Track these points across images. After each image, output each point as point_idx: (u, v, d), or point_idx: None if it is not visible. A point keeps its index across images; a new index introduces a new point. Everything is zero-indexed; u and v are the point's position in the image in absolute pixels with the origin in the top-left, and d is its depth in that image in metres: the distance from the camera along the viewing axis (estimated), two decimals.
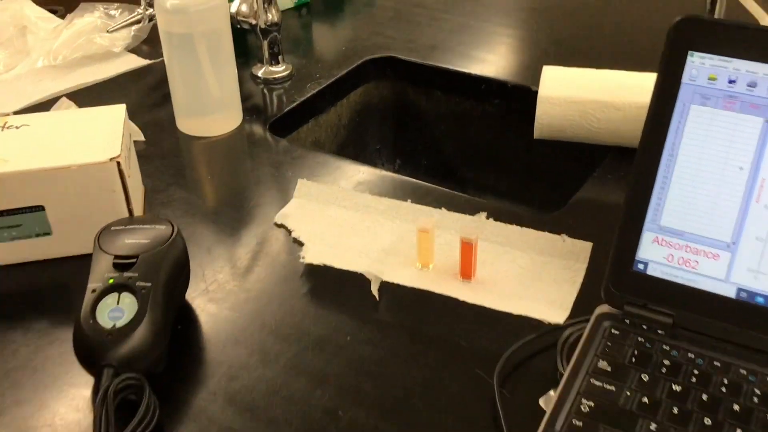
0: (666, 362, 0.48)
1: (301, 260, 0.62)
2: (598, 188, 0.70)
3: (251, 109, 0.84)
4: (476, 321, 0.56)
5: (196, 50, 0.74)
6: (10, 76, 0.88)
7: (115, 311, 0.50)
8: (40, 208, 0.61)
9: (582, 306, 0.56)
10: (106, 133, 0.63)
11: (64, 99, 0.79)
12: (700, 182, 0.50)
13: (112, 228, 0.56)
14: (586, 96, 0.72)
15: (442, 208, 0.66)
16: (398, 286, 0.59)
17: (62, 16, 0.98)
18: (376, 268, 0.60)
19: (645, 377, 0.48)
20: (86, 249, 0.56)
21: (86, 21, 0.92)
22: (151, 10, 0.91)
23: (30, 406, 0.51)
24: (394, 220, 0.66)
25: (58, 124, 0.66)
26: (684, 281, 0.51)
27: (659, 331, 0.51)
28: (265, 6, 0.85)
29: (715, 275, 0.50)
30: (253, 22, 0.87)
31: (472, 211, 0.66)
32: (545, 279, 0.59)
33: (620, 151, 0.73)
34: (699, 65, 0.50)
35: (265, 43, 0.87)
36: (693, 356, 0.49)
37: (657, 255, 0.51)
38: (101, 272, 0.52)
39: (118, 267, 0.52)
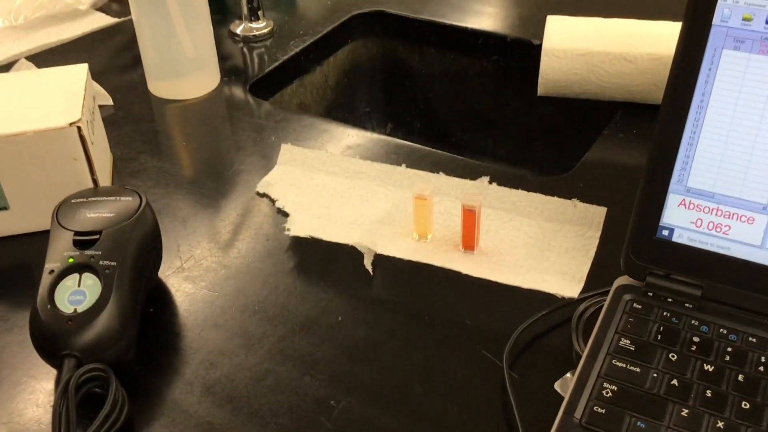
0: (696, 339, 0.43)
1: (286, 233, 0.56)
2: (610, 148, 0.64)
3: (230, 70, 0.77)
4: (481, 296, 0.51)
5: (167, 6, 0.68)
6: None
7: (76, 294, 0.44)
8: None
9: (597, 278, 0.51)
10: (67, 96, 0.57)
11: (23, 60, 0.73)
12: (733, 137, 0.44)
13: (73, 201, 0.50)
14: (595, 47, 0.66)
15: (440, 173, 0.60)
16: (394, 258, 0.54)
17: None
18: (369, 239, 0.54)
19: (673, 356, 0.43)
20: (48, 225, 0.50)
21: None
22: None
23: None
24: (387, 187, 0.60)
25: (13, 87, 0.59)
26: (714, 248, 0.45)
27: (686, 305, 0.45)
28: None
29: (750, 241, 0.45)
30: None
31: (473, 175, 0.60)
32: (555, 248, 0.54)
33: (632, 107, 0.68)
34: (732, 4, 0.44)
35: None
36: (725, 332, 0.44)
37: (684, 220, 0.46)
38: (60, 251, 0.46)
39: (78, 244, 0.46)
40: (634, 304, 0.46)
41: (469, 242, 0.54)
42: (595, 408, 0.40)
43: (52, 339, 0.44)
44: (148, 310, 0.50)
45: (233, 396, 0.45)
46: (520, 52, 0.80)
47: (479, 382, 0.45)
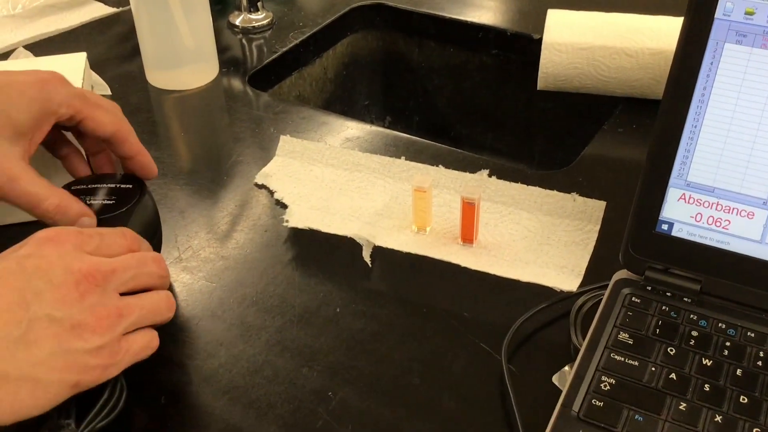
0: (694, 333, 0.43)
1: (285, 224, 0.56)
2: (609, 143, 0.64)
3: (229, 61, 0.77)
4: (480, 289, 0.51)
5: None
6: None
7: None
8: None
9: (596, 272, 0.51)
10: None
11: (20, 49, 0.72)
12: (733, 132, 0.44)
13: (72, 188, 0.50)
14: (596, 42, 0.65)
15: (440, 166, 0.60)
16: (392, 251, 0.54)
17: None
18: (368, 231, 0.54)
19: (671, 350, 0.43)
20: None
21: None
22: None
23: None
24: (386, 179, 0.60)
25: None
26: (713, 243, 0.45)
27: (685, 299, 0.45)
28: None
29: (750, 236, 0.45)
30: None
31: (472, 168, 0.60)
32: (554, 242, 0.54)
33: (631, 102, 0.67)
34: None
35: None
36: (724, 326, 0.44)
37: (683, 214, 0.46)
38: None
39: None
40: (633, 298, 0.46)
41: (468, 235, 0.54)
42: (593, 401, 0.40)
43: None
44: None
45: (231, 386, 0.45)
46: (519, 46, 0.80)
47: (477, 374, 0.45)
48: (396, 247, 0.54)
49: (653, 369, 0.42)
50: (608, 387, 0.41)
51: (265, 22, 0.82)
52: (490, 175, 0.58)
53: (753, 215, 0.44)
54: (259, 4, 0.82)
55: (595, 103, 0.71)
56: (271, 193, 0.59)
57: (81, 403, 0.40)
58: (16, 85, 0.46)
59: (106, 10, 0.84)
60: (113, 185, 0.50)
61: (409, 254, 0.53)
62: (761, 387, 0.40)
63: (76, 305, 0.39)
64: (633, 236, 0.47)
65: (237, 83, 0.74)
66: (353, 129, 0.67)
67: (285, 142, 0.63)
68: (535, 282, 0.50)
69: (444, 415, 0.43)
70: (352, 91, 0.91)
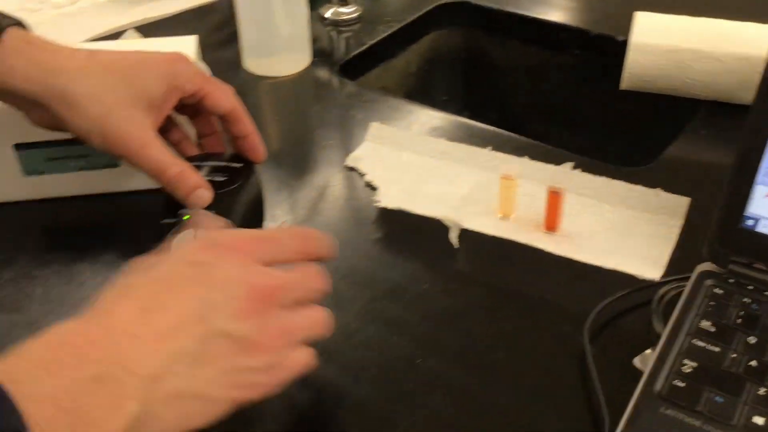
0: None
1: (376, 204, 0.59)
2: (692, 144, 0.65)
3: (319, 51, 0.80)
4: (562, 274, 0.53)
5: None
6: (74, 9, 0.86)
7: None
8: None
9: (677, 265, 0.53)
10: None
11: (131, 31, 0.77)
12: None
13: (192, 162, 0.53)
14: (683, 44, 0.67)
15: (525, 157, 0.62)
16: (478, 234, 0.56)
17: None
18: (454, 215, 0.57)
19: (752, 340, 0.44)
20: (154, 183, 0.54)
21: None
22: None
23: None
24: (472, 168, 0.62)
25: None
26: None
27: (766, 293, 0.47)
28: None
29: None
30: None
31: (557, 161, 0.62)
32: (637, 234, 0.55)
33: (715, 106, 0.68)
34: None
35: None
36: None
37: None
38: (175, 209, 0.50)
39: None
40: (716, 289, 0.47)
41: (551, 224, 0.56)
42: (675, 382, 0.42)
43: None
44: None
45: (326, 349, 0.48)
46: (601, 47, 0.81)
47: (559, 353, 0.47)
48: (482, 230, 0.56)
49: (734, 356, 0.43)
50: (690, 370, 0.43)
51: (354, 15, 0.85)
52: (574, 168, 0.60)
53: None
54: None
55: (674, 105, 0.72)
56: (362, 175, 0.63)
57: None
58: (150, 62, 0.50)
59: None
60: (224, 164, 0.53)
61: (494, 238, 0.56)
62: None
63: (250, 321, 0.37)
64: (718, 230, 0.48)
65: (327, 72, 0.78)
66: (438, 119, 0.69)
67: (375, 128, 0.66)
68: (618, 269, 0.52)
69: (527, 389, 0.45)
70: (432, 86, 0.93)
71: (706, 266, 0.49)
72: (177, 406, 0.35)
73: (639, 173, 0.61)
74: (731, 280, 0.48)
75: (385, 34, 0.84)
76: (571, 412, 0.44)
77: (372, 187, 0.61)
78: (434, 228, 0.57)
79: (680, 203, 0.56)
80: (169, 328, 0.35)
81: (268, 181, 0.62)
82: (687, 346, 0.44)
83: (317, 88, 0.76)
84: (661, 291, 0.50)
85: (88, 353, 0.33)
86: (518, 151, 0.64)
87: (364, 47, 0.82)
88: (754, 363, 0.43)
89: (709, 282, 0.48)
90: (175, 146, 0.56)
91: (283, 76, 0.76)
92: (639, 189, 0.58)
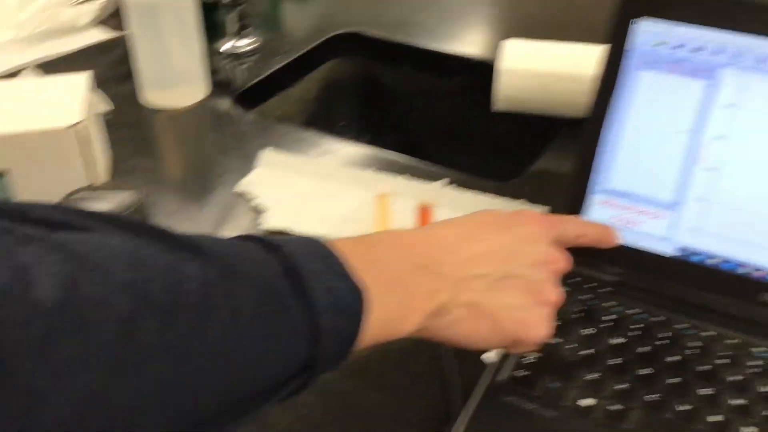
0: (610, 318, 0.50)
1: (260, 226, 0.63)
2: (555, 159, 0.71)
3: (218, 83, 0.84)
4: None
5: (160, 22, 0.75)
6: None
7: None
8: (1, 175, 0.61)
9: None
10: (69, 100, 0.64)
11: (30, 69, 0.80)
12: (645, 145, 0.51)
13: (73, 196, 0.56)
14: (547, 68, 0.73)
15: (404, 176, 0.67)
16: None
17: None
18: (335, 233, 0.61)
19: (590, 331, 0.49)
20: None
21: None
22: None
23: None
24: (356, 188, 0.67)
25: (20, 91, 0.66)
26: (628, 241, 0.52)
27: (606, 289, 0.52)
28: None
29: (657, 234, 0.52)
30: None
31: (433, 179, 0.67)
32: None
33: (576, 123, 0.75)
34: (646, 31, 0.51)
35: (232, 17, 0.88)
36: (635, 312, 0.51)
37: (605, 216, 0.53)
38: None
39: None
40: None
41: None
42: (516, 372, 0.47)
43: None
44: None
45: None
46: (483, 72, 0.87)
47: (420, 353, 0.52)
48: None
49: (572, 346, 0.48)
50: (531, 360, 0.48)
51: (252, 47, 0.90)
52: (448, 185, 0.66)
53: (660, 216, 0.52)
54: (247, 30, 0.89)
55: (543, 123, 0.78)
56: (251, 199, 0.66)
57: None
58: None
59: (107, 35, 0.92)
60: (111, 194, 0.56)
61: None
62: (660, 362, 0.47)
63: (543, 276, 0.43)
64: None
65: (224, 102, 0.81)
66: (330, 144, 0.74)
67: (266, 154, 0.70)
68: None
69: (391, 388, 0.50)
70: (332, 113, 0.98)
71: None
72: (471, 314, 0.41)
73: (507, 187, 0.67)
74: (577, 279, 0.53)
75: (282, 64, 0.88)
76: (429, 405, 0.48)
77: (261, 210, 0.65)
78: None
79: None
80: (481, 254, 0.42)
81: (163, 207, 0.66)
82: None
83: (214, 118, 0.79)
84: None
85: (412, 249, 0.41)
86: (400, 171, 0.68)
87: (261, 77, 0.86)
88: (587, 352, 0.48)
89: None
90: None
91: (180, 108, 0.80)
92: (505, 201, 0.63)
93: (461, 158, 0.94)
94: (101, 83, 0.83)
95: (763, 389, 0.46)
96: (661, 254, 0.52)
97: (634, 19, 0.51)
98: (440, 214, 0.63)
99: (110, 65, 0.87)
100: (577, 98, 0.73)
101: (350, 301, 0.35)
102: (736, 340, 0.49)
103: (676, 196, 0.51)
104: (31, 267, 0.26)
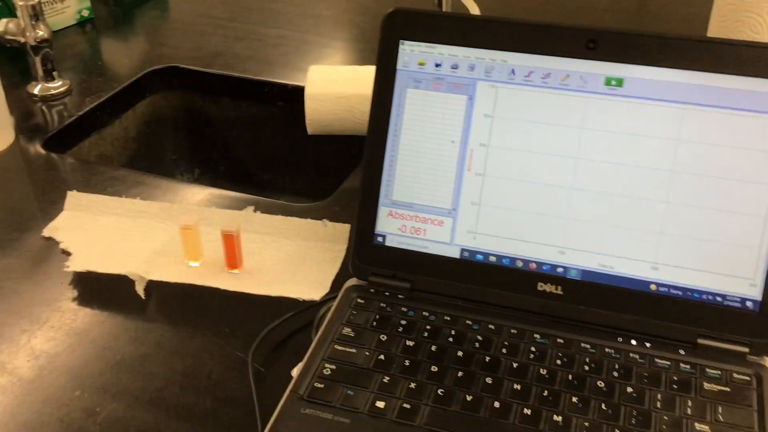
0: (403, 322, 0.53)
1: (66, 269, 0.62)
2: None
3: (30, 128, 0.82)
4: (240, 308, 0.59)
5: None
6: None
7: None
8: None
9: (341, 283, 0.60)
10: None
11: None
12: (421, 158, 0.55)
13: None
14: (349, 91, 0.76)
15: (213, 207, 0.68)
16: (166, 283, 0.61)
17: None
18: (144, 269, 0.61)
19: (383, 337, 0.52)
20: None
21: None
22: None
23: None
24: (165, 222, 0.67)
25: None
26: (417, 248, 0.56)
27: (399, 296, 0.55)
28: (33, 23, 0.84)
29: (442, 239, 0.55)
30: (23, 40, 0.85)
31: (241, 206, 0.68)
32: (309, 262, 0.63)
33: None
34: (410, 52, 0.55)
35: (38, 60, 0.86)
36: (427, 314, 0.54)
37: (392, 227, 0.56)
38: None
39: None
40: (358, 299, 0.55)
41: (232, 263, 0.62)
42: (316, 384, 0.49)
43: None
44: None
45: (4, 410, 0.50)
46: (301, 97, 0.90)
47: (232, 377, 0.53)
48: (168, 279, 0.61)
49: (367, 354, 0.51)
50: (329, 372, 0.50)
51: (62, 89, 0.88)
52: (255, 211, 0.67)
53: (442, 223, 0.55)
54: (54, 73, 0.88)
55: (355, 144, 0.81)
56: (58, 243, 0.65)
57: None
58: None
59: None
60: None
61: (181, 285, 0.61)
62: (449, 358, 0.51)
63: None
64: (357, 249, 0.57)
65: (34, 147, 0.80)
66: (139, 180, 0.74)
67: (72, 196, 0.69)
68: (285, 296, 0.59)
69: (201, 414, 0.50)
70: (158, 148, 0.98)
71: (354, 281, 0.57)
72: None
73: (317, 207, 0.69)
74: (372, 290, 0.56)
75: (95, 104, 0.87)
76: (237, 429, 0.49)
77: (68, 253, 0.64)
78: (126, 284, 0.61)
79: (343, 230, 0.65)
80: None
81: None
82: (330, 352, 0.51)
83: (24, 164, 0.77)
84: (323, 309, 0.58)
85: None
86: (208, 201, 0.69)
87: (73, 119, 0.84)
88: (382, 357, 0.51)
89: (353, 294, 0.56)
90: None
91: None
92: (310, 222, 0.66)
93: (295, 184, 0.96)
94: None
95: (541, 371, 0.50)
96: (448, 257, 0.55)
97: (400, 41, 0.55)
98: (246, 239, 0.64)
99: None
100: None
101: None
102: (516, 330, 0.53)
103: (453, 202, 0.55)
104: None
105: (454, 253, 0.55)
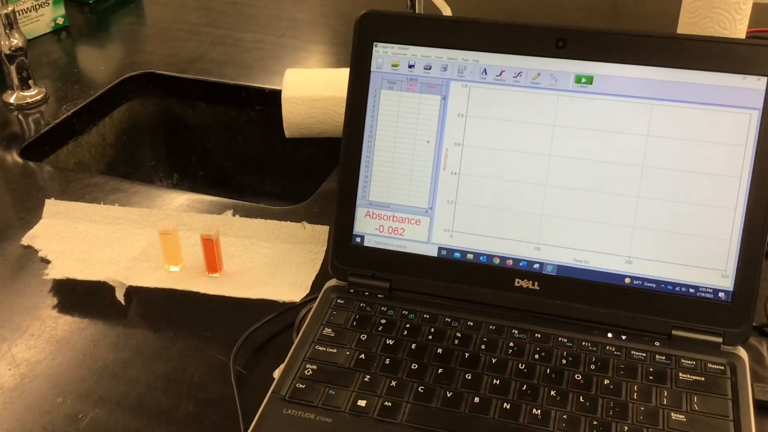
0: (382, 321, 0.54)
1: (45, 277, 0.62)
2: None
3: (6, 136, 0.82)
4: (221, 311, 0.59)
5: None
6: None
7: None
8: None
9: (321, 284, 0.61)
10: None
11: None
12: (397, 158, 0.56)
13: None
14: (326, 93, 0.77)
15: (191, 212, 0.68)
16: (147, 289, 0.61)
17: None
18: (123, 275, 0.61)
19: (363, 337, 0.53)
20: None
21: None
22: None
23: None
24: (144, 228, 0.67)
25: None
26: (395, 248, 0.56)
27: (379, 296, 0.56)
28: (7, 32, 0.84)
29: (419, 238, 0.56)
30: None
31: (220, 210, 0.68)
32: (288, 264, 0.63)
33: None
34: (383, 54, 0.55)
35: (13, 69, 0.86)
36: (406, 312, 0.54)
37: (370, 227, 0.57)
38: None
39: None
40: (338, 300, 0.56)
41: (212, 267, 0.62)
42: (297, 385, 0.49)
43: None
44: None
45: None
46: (278, 101, 0.90)
47: (214, 380, 0.53)
48: (148, 285, 0.61)
49: (347, 353, 0.51)
50: (311, 372, 0.50)
51: (38, 97, 0.88)
52: (234, 215, 0.67)
53: (419, 222, 0.56)
54: (30, 81, 0.87)
55: (333, 146, 0.82)
56: (36, 251, 0.65)
57: None
58: None
59: None
60: None
61: (161, 290, 0.61)
62: (429, 356, 0.51)
63: None
64: (336, 250, 0.57)
65: (11, 156, 0.79)
66: (118, 186, 0.74)
67: (50, 204, 0.69)
68: (266, 298, 0.59)
69: (183, 418, 0.51)
70: (136, 154, 0.98)
71: (333, 282, 0.58)
72: None
73: (296, 210, 0.69)
74: (351, 290, 0.56)
75: (71, 111, 0.87)
76: (220, 431, 0.50)
77: (47, 261, 0.64)
78: (105, 290, 0.61)
79: (322, 231, 0.65)
80: None
81: None
82: (311, 352, 0.52)
83: (1, 173, 0.77)
84: (304, 311, 0.58)
85: None
86: (187, 206, 0.70)
87: (49, 127, 0.84)
88: (362, 356, 0.51)
89: (333, 295, 0.56)
90: None
91: None
92: (289, 224, 0.66)
93: (274, 187, 0.97)
94: None
95: (520, 366, 0.51)
96: (426, 256, 0.56)
97: (374, 42, 0.55)
98: (226, 243, 0.65)
99: None
100: None
101: None
102: (494, 326, 0.53)
103: (430, 201, 0.56)
104: None
105: (432, 252, 0.56)
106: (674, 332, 0.52)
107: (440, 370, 0.50)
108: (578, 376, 0.50)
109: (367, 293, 0.56)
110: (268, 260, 0.64)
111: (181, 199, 0.71)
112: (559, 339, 0.53)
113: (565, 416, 0.47)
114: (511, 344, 0.52)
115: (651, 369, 0.50)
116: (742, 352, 0.52)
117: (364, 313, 0.54)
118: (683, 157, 0.51)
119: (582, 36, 0.52)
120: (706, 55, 0.51)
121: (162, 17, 1.10)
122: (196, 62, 0.96)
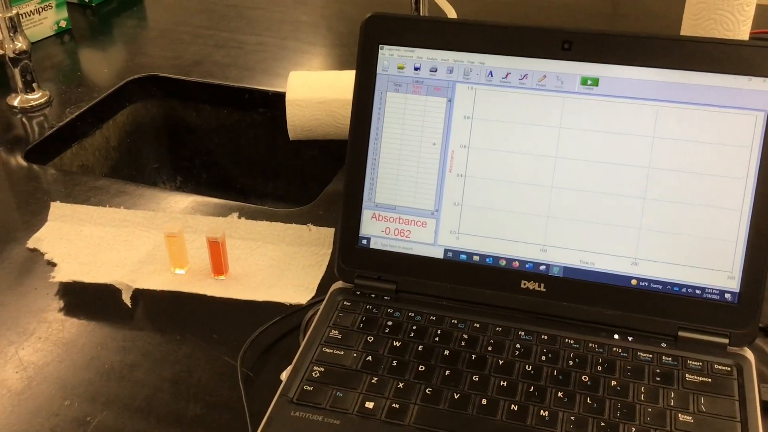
0: (389, 323, 0.54)
1: (51, 280, 0.62)
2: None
3: (10, 139, 0.82)
4: (227, 313, 0.59)
5: None
6: None
7: None
8: None
9: (327, 287, 0.61)
10: None
11: None
12: (403, 160, 0.56)
13: None
14: (330, 96, 0.77)
15: (197, 214, 0.68)
16: (153, 291, 0.61)
17: None
18: (130, 277, 0.62)
19: (370, 339, 0.53)
20: None
21: None
22: None
23: None
24: (149, 231, 0.67)
25: None
26: (401, 250, 0.57)
27: (385, 298, 0.56)
28: (11, 35, 0.84)
29: (425, 240, 0.56)
30: (1, 52, 0.85)
31: (225, 213, 0.69)
32: (294, 266, 0.63)
33: None
34: (389, 56, 0.56)
35: (17, 72, 0.86)
36: (413, 314, 0.55)
37: (376, 230, 0.57)
38: None
39: None
40: (344, 302, 0.56)
41: (218, 269, 0.62)
42: (305, 387, 0.49)
43: None
44: None
45: None
46: (282, 103, 0.90)
47: (221, 382, 0.53)
48: (155, 288, 0.61)
49: (355, 355, 0.52)
50: (318, 374, 0.50)
51: (42, 100, 0.88)
52: (239, 217, 0.67)
53: (426, 224, 0.56)
54: (34, 84, 0.87)
55: (337, 148, 0.82)
56: (43, 255, 0.65)
57: None
58: None
59: None
60: None
61: (168, 292, 0.61)
62: (436, 358, 0.51)
63: None
64: (342, 252, 0.57)
65: (15, 159, 0.79)
66: (124, 189, 0.74)
67: (56, 207, 0.69)
68: (272, 300, 0.60)
69: (191, 420, 0.51)
70: (140, 157, 0.98)
71: (339, 284, 0.58)
72: None
73: (300, 212, 0.70)
74: (357, 293, 0.57)
75: (75, 114, 0.87)
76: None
77: (53, 264, 0.64)
78: (112, 293, 0.61)
79: (328, 234, 0.65)
80: None
81: None
82: (318, 354, 0.52)
83: (6, 175, 0.77)
84: (310, 313, 0.58)
85: None
86: (192, 209, 0.70)
87: (53, 129, 0.84)
88: (369, 358, 0.51)
89: (339, 297, 0.56)
90: None
91: None
92: (294, 227, 0.66)
93: (278, 190, 0.97)
94: None
95: (527, 367, 0.51)
96: (432, 258, 0.56)
97: (380, 45, 0.55)
98: (232, 245, 0.65)
99: None
100: None
101: None
102: (501, 328, 0.54)
103: (436, 203, 0.56)
104: None
105: (438, 254, 0.56)
106: (680, 333, 0.53)
107: (447, 372, 0.50)
108: (585, 378, 0.50)
109: (373, 295, 0.56)
110: (274, 262, 0.64)
111: (186, 201, 0.72)
112: (566, 340, 0.53)
113: (572, 417, 0.47)
114: (518, 346, 0.52)
115: (658, 370, 0.50)
116: (749, 353, 0.52)
117: (370, 315, 0.55)
118: (689, 159, 0.51)
119: (588, 38, 0.52)
120: (713, 56, 0.51)
121: (164, 20, 1.10)
122: (199, 65, 0.96)
